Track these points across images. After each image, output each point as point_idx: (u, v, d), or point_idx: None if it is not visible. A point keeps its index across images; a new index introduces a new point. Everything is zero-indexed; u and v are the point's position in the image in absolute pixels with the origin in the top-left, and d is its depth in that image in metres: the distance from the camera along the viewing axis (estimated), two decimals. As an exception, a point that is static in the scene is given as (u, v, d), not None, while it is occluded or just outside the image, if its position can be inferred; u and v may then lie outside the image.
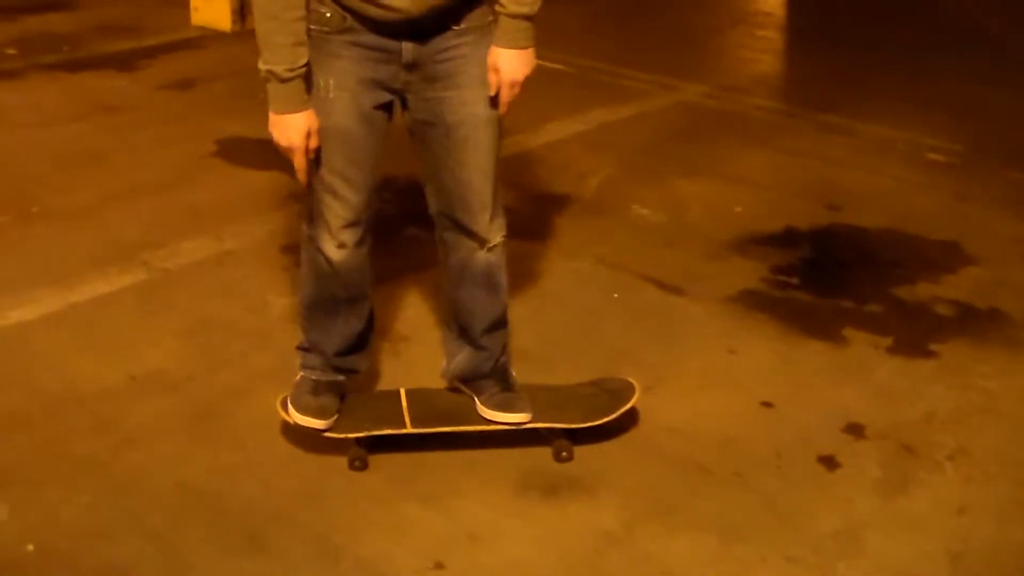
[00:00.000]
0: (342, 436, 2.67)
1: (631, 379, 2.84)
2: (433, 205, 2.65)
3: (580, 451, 2.73)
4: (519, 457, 2.72)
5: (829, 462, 2.75)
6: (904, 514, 2.57)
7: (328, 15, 2.38)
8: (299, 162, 2.45)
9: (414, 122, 2.53)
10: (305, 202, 2.63)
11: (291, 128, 2.40)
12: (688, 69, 5.98)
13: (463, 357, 2.78)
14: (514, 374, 2.81)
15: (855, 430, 2.88)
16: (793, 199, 4.33)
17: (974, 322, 3.44)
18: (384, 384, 2.98)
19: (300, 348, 2.77)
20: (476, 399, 2.75)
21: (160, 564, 2.37)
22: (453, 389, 2.83)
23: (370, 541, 2.44)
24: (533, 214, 4.10)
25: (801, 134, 5.07)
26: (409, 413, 2.72)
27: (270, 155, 4.45)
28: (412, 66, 2.44)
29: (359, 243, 2.60)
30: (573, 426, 2.73)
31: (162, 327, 3.29)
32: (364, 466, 2.66)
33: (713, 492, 2.64)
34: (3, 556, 2.37)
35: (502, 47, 2.46)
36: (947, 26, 6.89)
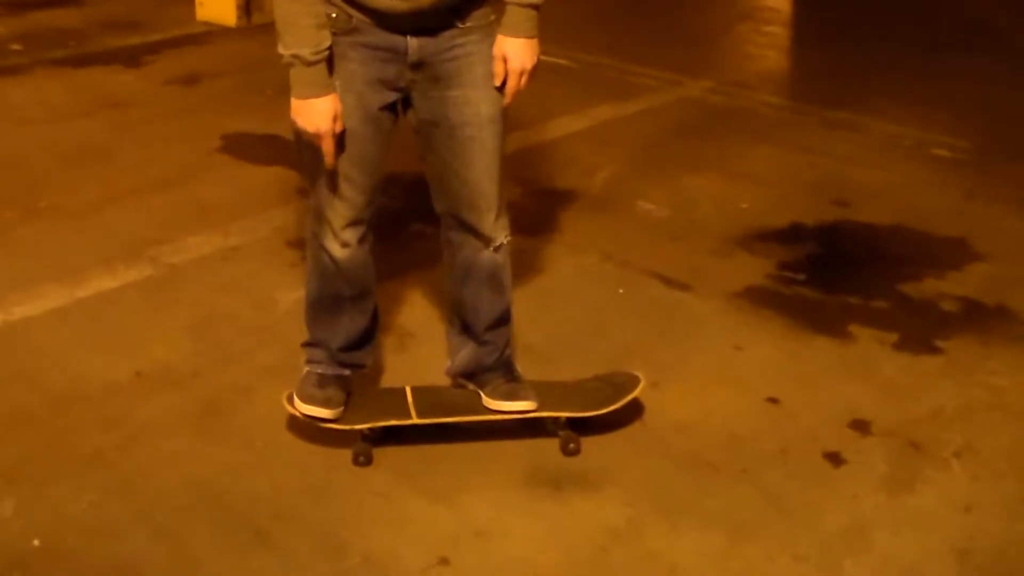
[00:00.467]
0: (348, 428, 2.67)
1: (636, 372, 2.83)
2: (439, 205, 2.65)
3: (586, 447, 2.73)
4: (525, 453, 2.72)
5: (835, 459, 2.75)
6: (911, 511, 2.57)
7: (334, 15, 2.37)
8: (328, 146, 2.40)
9: (419, 122, 2.53)
10: (310, 201, 2.63)
11: (318, 113, 2.37)
12: (694, 65, 5.97)
13: (466, 352, 2.78)
14: (518, 368, 2.81)
15: (861, 427, 2.87)
16: (799, 195, 4.32)
17: (981, 318, 3.43)
18: (390, 380, 2.98)
19: (305, 344, 2.78)
20: (481, 392, 2.75)
21: (167, 560, 2.37)
22: (458, 386, 2.83)
23: (376, 537, 2.44)
24: (539, 210, 4.09)
25: (807, 130, 5.05)
26: (415, 407, 2.72)
27: (276, 151, 4.53)
28: (418, 65, 2.44)
29: (361, 241, 2.60)
30: (578, 414, 2.73)
31: (168, 323, 3.29)
32: (368, 461, 2.66)
33: (719, 489, 2.64)
34: (10, 552, 2.37)
35: (509, 35, 2.47)
36: (954, 22, 6.87)
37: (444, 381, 2.88)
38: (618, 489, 2.61)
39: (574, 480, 2.64)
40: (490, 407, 2.73)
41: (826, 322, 3.39)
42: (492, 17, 2.49)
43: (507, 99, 2.52)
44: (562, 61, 5.63)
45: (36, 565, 2.35)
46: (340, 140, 2.45)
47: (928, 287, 3.61)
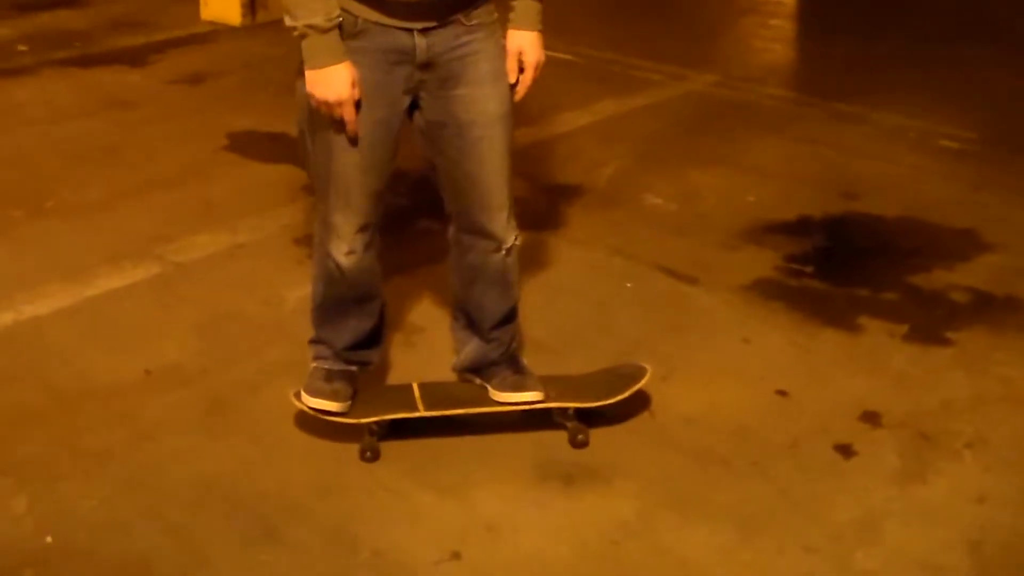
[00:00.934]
0: (355, 421, 2.67)
1: (643, 364, 2.82)
2: (449, 206, 2.65)
3: (596, 441, 2.73)
4: (535, 447, 2.72)
5: (846, 451, 2.74)
6: (922, 503, 2.56)
7: (340, 19, 2.36)
8: (349, 114, 2.37)
9: (427, 123, 2.52)
10: (318, 206, 2.62)
11: (337, 80, 2.34)
12: (699, 59, 5.96)
13: (472, 348, 2.79)
14: (525, 361, 2.81)
15: (872, 418, 2.86)
16: (806, 188, 4.32)
17: (991, 310, 3.42)
18: (399, 376, 2.98)
19: (312, 341, 2.78)
20: (488, 385, 2.75)
21: (177, 556, 2.37)
22: (465, 380, 2.83)
23: (386, 532, 2.44)
24: (545, 205, 4.09)
25: (814, 123, 5.05)
26: (422, 400, 2.72)
27: (282, 148, 4.53)
28: (426, 66, 2.43)
29: (368, 247, 2.60)
30: (585, 405, 2.73)
31: (176, 321, 3.29)
32: (375, 456, 2.66)
33: (729, 482, 2.63)
34: (22, 548, 2.37)
35: (524, 30, 2.50)
36: (960, 13, 6.86)
37: (452, 377, 2.88)
38: (628, 482, 2.61)
39: (584, 474, 2.63)
40: (497, 399, 2.73)
41: (835, 314, 3.38)
42: (495, 15, 2.50)
43: (520, 94, 2.53)
44: (566, 56, 5.62)
45: (49, 562, 2.35)
46: (331, 162, 2.43)
47: (937, 278, 3.60)
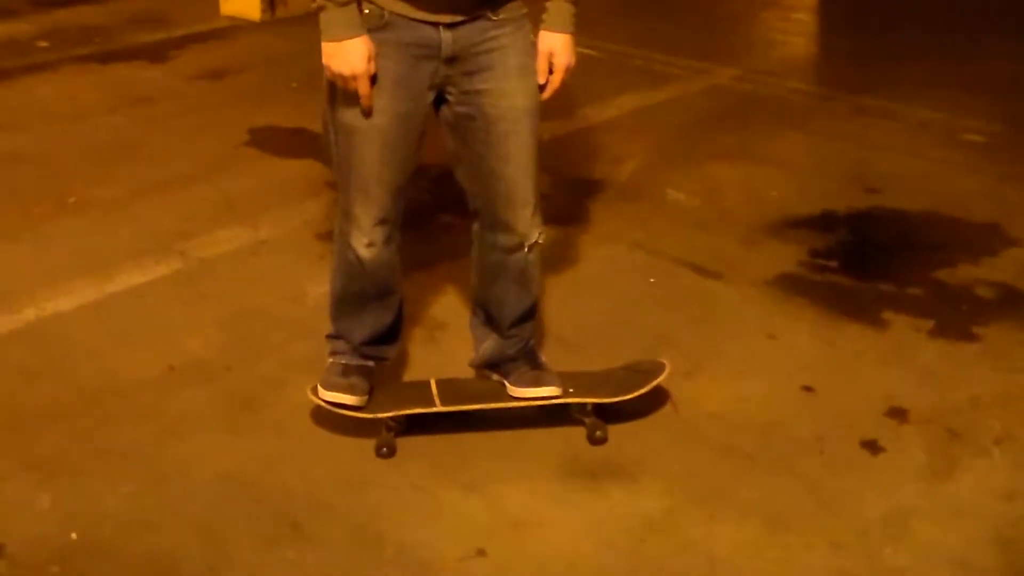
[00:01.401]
0: (372, 416, 2.66)
1: (663, 360, 2.81)
2: (473, 202, 2.63)
3: (620, 437, 2.72)
4: (559, 443, 2.71)
5: (873, 447, 2.72)
6: (951, 500, 2.54)
7: (367, 11, 2.36)
8: (364, 88, 2.37)
9: (455, 116, 2.51)
10: (339, 198, 2.62)
11: (353, 54, 2.33)
12: (720, 53, 5.93)
13: (490, 343, 2.78)
14: (543, 357, 2.80)
15: (898, 414, 2.84)
16: (830, 182, 4.29)
17: (1018, 304, 3.39)
18: (419, 371, 2.97)
19: (329, 336, 2.78)
20: (505, 381, 2.74)
21: (202, 553, 2.37)
22: (483, 376, 2.83)
23: (411, 529, 2.44)
24: (567, 200, 4.07)
25: (836, 117, 5.01)
26: (439, 396, 2.72)
27: (303, 144, 4.52)
28: (452, 60, 2.42)
29: (388, 241, 2.59)
30: (602, 400, 2.71)
31: (199, 317, 3.29)
32: (391, 452, 2.65)
33: (756, 478, 2.61)
34: (48, 545, 2.38)
35: (556, 31, 2.49)
36: (983, 4, 6.79)
37: (471, 373, 2.87)
38: (654, 479, 2.59)
39: (610, 470, 2.62)
40: (514, 395, 2.72)
41: (860, 310, 3.35)
42: (524, 10, 2.48)
43: (547, 95, 2.52)
44: (586, 50, 5.55)
45: (74, 558, 2.35)
46: (351, 156, 2.42)
47: (963, 273, 3.57)
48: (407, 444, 2.68)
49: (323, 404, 2.66)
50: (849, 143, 4.68)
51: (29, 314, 3.27)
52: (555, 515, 2.48)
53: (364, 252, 2.58)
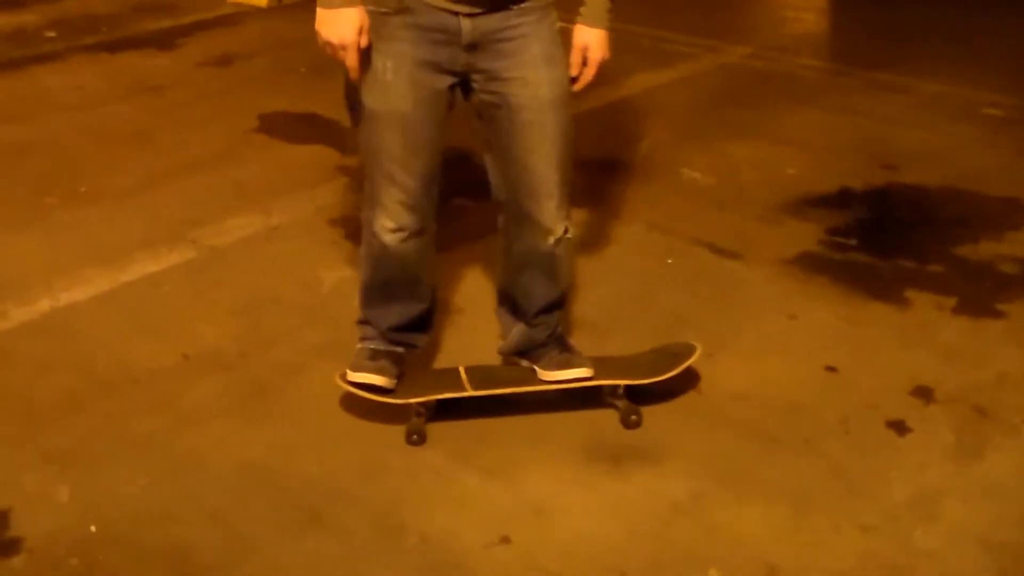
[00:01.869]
0: (401, 401, 2.63)
1: (693, 342, 2.77)
2: (497, 192, 2.59)
3: (643, 420, 2.68)
4: (582, 428, 2.67)
5: (899, 427, 2.68)
6: (981, 479, 2.50)
7: None
8: (352, 60, 2.32)
9: (482, 104, 2.46)
10: (365, 185, 2.58)
11: (343, 22, 2.27)
12: (731, 30, 5.87)
13: (517, 331, 2.74)
14: (572, 341, 2.76)
15: (924, 394, 2.80)
16: (847, 159, 4.24)
17: (1042, 280, 3.34)
18: (441, 356, 2.94)
19: (359, 322, 2.74)
20: (535, 366, 2.71)
21: (221, 544, 2.34)
22: (511, 363, 2.79)
23: (434, 516, 2.41)
24: (581, 181, 3.97)
25: (852, 93, 4.96)
26: (469, 382, 2.68)
27: (313, 129, 4.49)
28: (473, 47, 2.37)
29: (419, 231, 2.54)
30: (636, 382, 2.67)
31: (213, 305, 3.26)
32: (422, 440, 2.62)
33: (781, 460, 2.58)
34: (67, 537, 2.35)
35: (592, 27, 2.48)
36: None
37: (495, 357, 2.84)
38: (678, 462, 2.56)
39: (633, 453, 2.59)
40: (545, 378, 2.68)
41: (881, 288, 3.31)
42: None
43: (578, 88, 2.50)
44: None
45: (93, 551, 2.32)
46: (376, 142, 2.40)
47: (985, 249, 3.52)
48: (427, 430, 2.64)
49: (351, 388, 2.63)
50: (864, 119, 4.63)
51: (43, 305, 3.25)
52: (579, 500, 2.45)
53: (389, 239, 2.54)
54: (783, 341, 3.06)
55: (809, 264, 3.46)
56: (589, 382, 2.67)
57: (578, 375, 2.66)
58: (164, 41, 5.80)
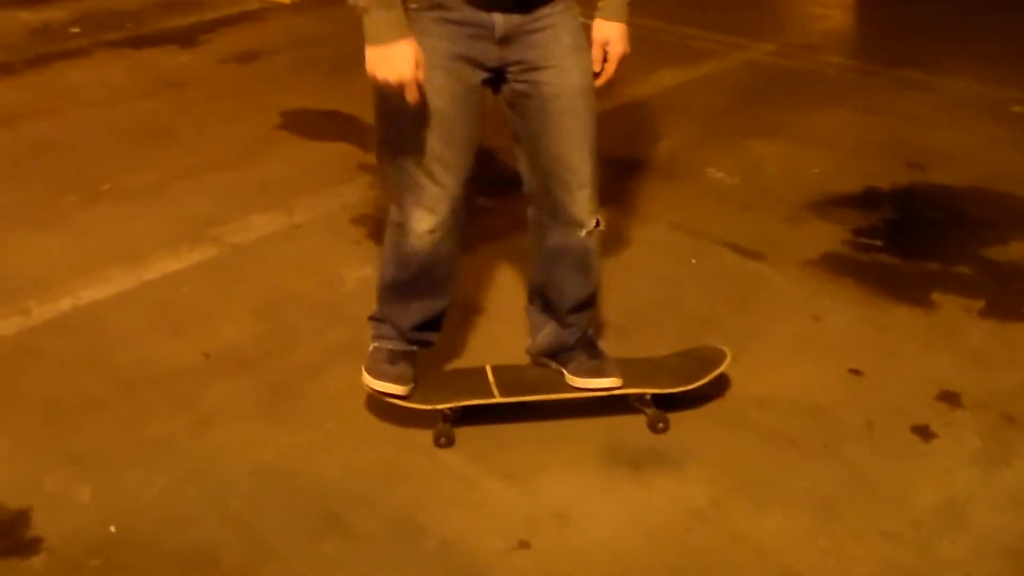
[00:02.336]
0: (430, 408, 2.61)
1: (721, 346, 2.74)
2: (528, 185, 2.57)
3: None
4: (602, 432, 2.65)
5: (924, 432, 2.65)
6: (1009, 487, 2.46)
7: None
8: (412, 95, 2.25)
9: (513, 94, 2.44)
10: (390, 186, 2.53)
11: (400, 58, 2.20)
12: (756, 28, 5.82)
13: (548, 331, 2.71)
14: (602, 345, 2.74)
15: (950, 398, 2.77)
16: (872, 159, 4.20)
17: (1071, 283, 3.30)
18: (465, 358, 2.93)
19: (373, 318, 2.71)
20: (564, 370, 2.69)
21: (240, 546, 2.34)
22: (539, 364, 2.77)
23: (453, 520, 2.39)
24: (605, 179, 3.93)
25: (878, 91, 4.91)
26: (496, 385, 2.66)
27: (336, 126, 4.48)
28: (505, 40, 2.36)
29: (452, 229, 2.51)
30: (665, 391, 2.65)
31: (235, 303, 3.26)
32: (450, 443, 2.61)
33: (804, 465, 2.55)
34: (87, 538, 2.35)
35: (613, 21, 2.47)
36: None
37: (518, 357, 2.82)
38: (700, 467, 2.54)
39: (654, 459, 2.56)
40: (574, 385, 2.66)
41: (907, 290, 3.28)
42: None
43: (600, 83, 2.49)
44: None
45: (113, 551, 2.33)
46: (409, 141, 2.37)
47: (1014, 251, 3.48)
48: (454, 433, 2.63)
49: (374, 392, 2.62)
50: (891, 118, 4.58)
51: (65, 303, 3.25)
52: (598, 506, 2.43)
53: (423, 240, 2.48)
54: (807, 343, 3.03)
55: (834, 265, 3.42)
56: (619, 391, 2.64)
57: (608, 384, 2.64)
58: (187, 37, 5.80)
